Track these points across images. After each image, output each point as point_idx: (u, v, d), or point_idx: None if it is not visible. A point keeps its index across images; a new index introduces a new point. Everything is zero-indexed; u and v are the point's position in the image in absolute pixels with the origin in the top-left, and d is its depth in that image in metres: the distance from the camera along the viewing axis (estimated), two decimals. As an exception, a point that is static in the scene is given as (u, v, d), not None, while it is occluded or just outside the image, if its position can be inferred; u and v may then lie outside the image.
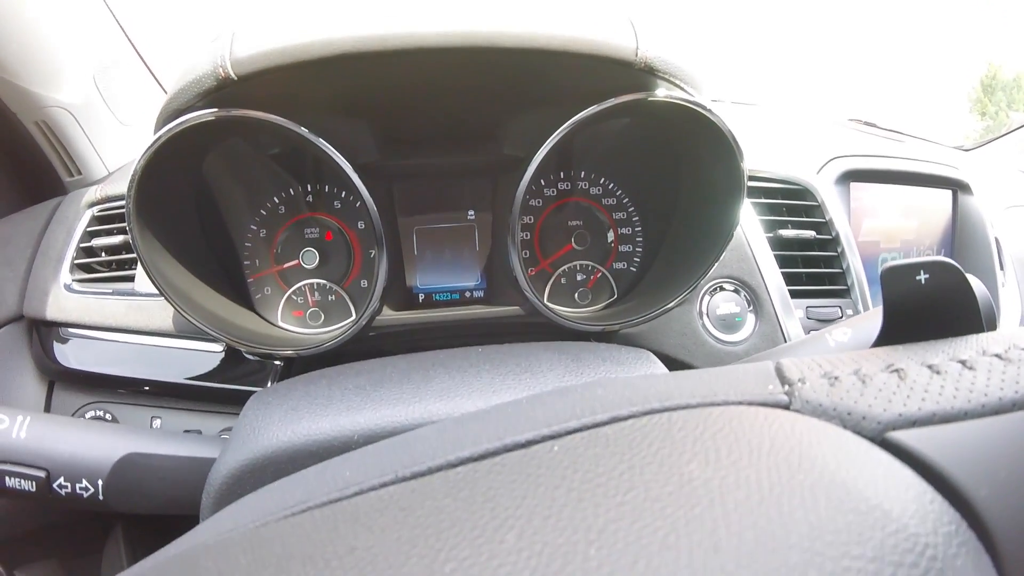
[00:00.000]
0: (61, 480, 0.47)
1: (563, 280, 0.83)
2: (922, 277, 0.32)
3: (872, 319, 0.46)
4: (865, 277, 0.89)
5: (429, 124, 0.70)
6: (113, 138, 0.94)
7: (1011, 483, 0.21)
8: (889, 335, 0.34)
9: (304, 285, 0.78)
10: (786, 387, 0.27)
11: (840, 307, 0.87)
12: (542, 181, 0.81)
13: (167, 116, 0.57)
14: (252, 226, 0.76)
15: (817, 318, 0.85)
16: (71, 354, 0.78)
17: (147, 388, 0.76)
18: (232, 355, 0.75)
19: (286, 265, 0.77)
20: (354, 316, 0.78)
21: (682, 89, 0.62)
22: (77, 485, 0.47)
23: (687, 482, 0.21)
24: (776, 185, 0.90)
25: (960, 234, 1.10)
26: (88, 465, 0.48)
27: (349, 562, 0.20)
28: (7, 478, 0.46)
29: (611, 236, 0.83)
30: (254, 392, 0.72)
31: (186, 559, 0.24)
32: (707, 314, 0.80)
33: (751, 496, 0.20)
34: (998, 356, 0.26)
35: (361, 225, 0.78)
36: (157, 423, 0.77)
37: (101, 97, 0.93)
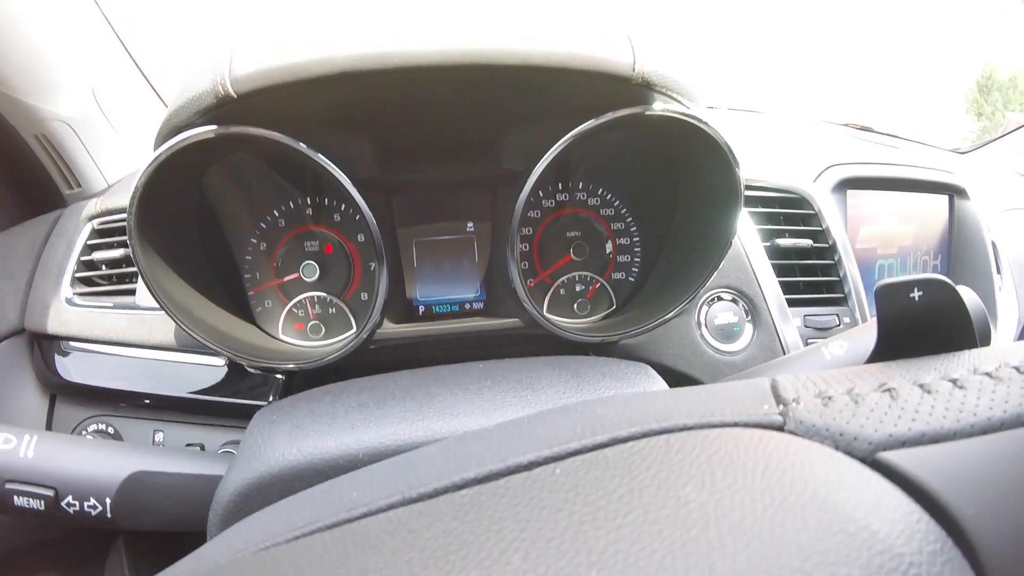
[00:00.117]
0: (69, 498, 0.48)
1: (562, 291, 0.83)
2: (916, 294, 0.33)
3: (867, 332, 0.47)
4: (862, 284, 0.89)
5: (428, 138, 0.71)
6: (112, 151, 0.94)
7: (998, 502, 0.22)
8: (883, 351, 0.34)
9: (305, 298, 0.78)
10: (781, 407, 0.28)
11: (837, 315, 0.87)
12: (540, 192, 0.82)
13: (167, 133, 0.58)
14: (252, 239, 0.77)
15: (815, 326, 0.86)
16: (73, 367, 0.79)
17: (147, 402, 0.77)
18: (234, 369, 0.75)
19: (287, 278, 0.78)
20: (355, 329, 0.78)
21: (678, 102, 0.63)
22: (85, 503, 0.48)
23: (683, 505, 0.22)
24: (773, 194, 0.91)
25: (957, 239, 1.11)
26: (96, 483, 0.48)
27: None
28: (15, 497, 0.47)
29: (609, 247, 0.84)
30: (256, 406, 0.73)
31: None
32: (705, 324, 0.80)
33: (744, 519, 0.21)
34: (989, 375, 0.27)
35: (361, 238, 0.78)
36: (159, 436, 0.77)
37: (100, 110, 0.93)
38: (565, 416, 0.29)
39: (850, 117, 1.56)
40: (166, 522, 0.51)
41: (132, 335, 0.76)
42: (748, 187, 0.80)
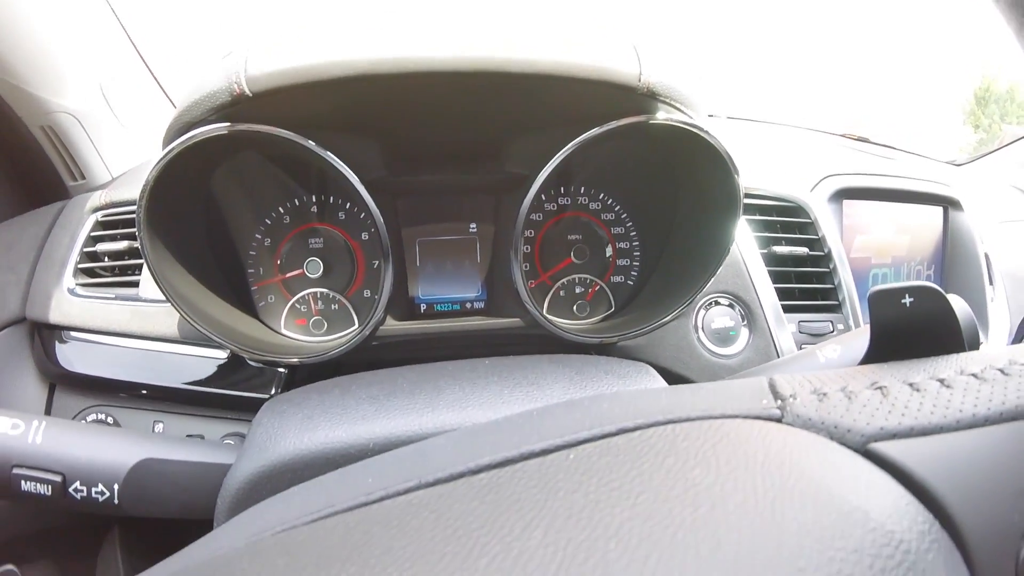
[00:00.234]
0: (77, 484, 0.48)
1: (562, 293, 0.84)
2: (907, 300, 0.34)
3: (860, 337, 0.48)
4: (856, 293, 0.91)
5: (435, 143, 0.72)
6: (117, 145, 0.95)
7: (981, 489, 0.24)
8: (876, 354, 0.36)
9: (308, 294, 0.79)
10: (779, 402, 0.30)
11: (831, 322, 0.89)
12: (543, 196, 0.83)
13: (179, 128, 0.58)
14: (257, 235, 0.78)
15: (809, 332, 0.87)
16: (73, 357, 0.79)
17: (145, 392, 0.77)
18: (234, 362, 0.76)
19: (290, 274, 0.78)
20: (357, 325, 0.79)
21: (681, 111, 0.64)
22: (93, 489, 0.48)
23: (691, 487, 0.24)
24: (771, 203, 0.92)
25: (951, 250, 1.12)
26: (104, 470, 0.49)
27: (387, 561, 0.22)
28: (23, 482, 0.47)
29: (609, 250, 0.85)
30: (257, 399, 0.74)
31: (220, 562, 0.25)
32: (702, 328, 0.81)
33: (747, 499, 0.22)
34: (975, 376, 0.28)
35: (365, 236, 0.79)
36: (159, 427, 0.78)
37: (107, 103, 0.94)
38: (573, 409, 0.30)
39: (848, 128, 1.58)
40: (172, 510, 0.51)
41: (134, 326, 0.76)
42: (746, 195, 0.81)
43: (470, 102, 0.62)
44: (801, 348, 0.84)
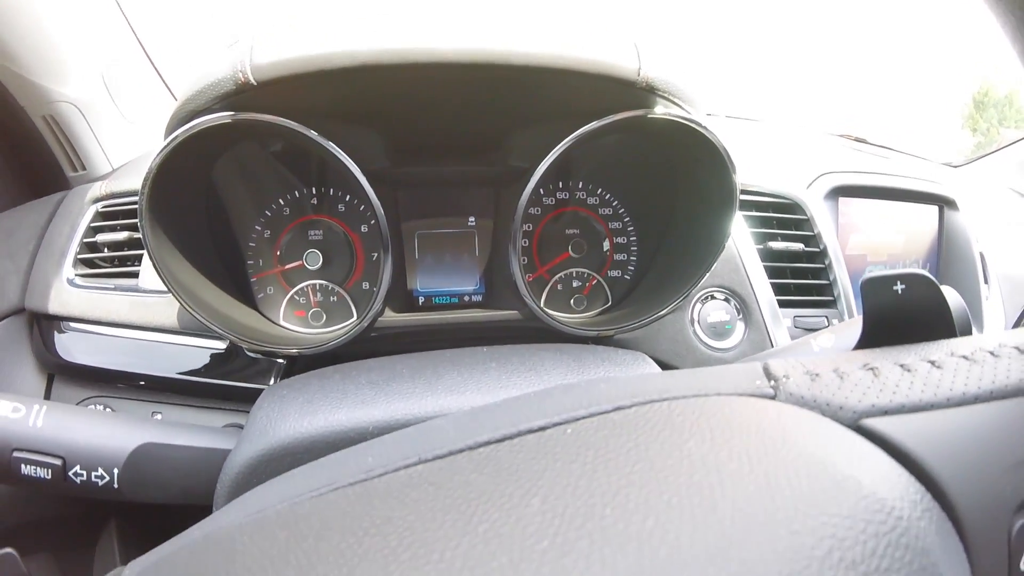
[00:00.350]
0: (77, 468, 0.48)
1: (559, 286, 0.85)
2: (899, 287, 0.35)
3: (853, 326, 0.49)
4: (851, 289, 0.92)
5: (437, 135, 0.72)
6: (118, 135, 0.95)
7: (972, 464, 0.24)
8: (869, 340, 0.36)
9: (307, 286, 0.80)
10: (772, 382, 0.30)
11: (826, 317, 0.89)
12: (541, 191, 0.84)
13: (183, 117, 0.58)
14: (256, 227, 0.78)
15: (804, 327, 0.88)
16: (72, 347, 0.80)
17: (143, 383, 0.78)
18: (233, 353, 0.76)
19: (289, 266, 0.79)
20: (356, 317, 0.80)
21: (679, 106, 0.64)
22: (93, 473, 0.48)
23: (687, 456, 0.24)
24: (767, 199, 0.93)
25: (946, 249, 1.13)
26: (104, 454, 0.49)
27: (387, 529, 0.22)
28: (23, 466, 0.47)
29: (607, 245, 0.85)
30: (255, 389, 0.74)
31: (222, 537, 0.25)
32: (698, 321, 0.82)
33: (742, 468, 0.23)
34: (964, 357, 0.29)
35: (364, 228, 0.80)
36: (157, 418, 0.78)
37: (108, 94, 0.94)
38: (570, 391, 0.31)
39: (846, 129, 1.58)
40: (172, 495, 0.51)
41: (133, 317, 0.77)
42: (743, 191, 0.82)
43: (471, 94, 0.63)
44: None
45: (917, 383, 0.27)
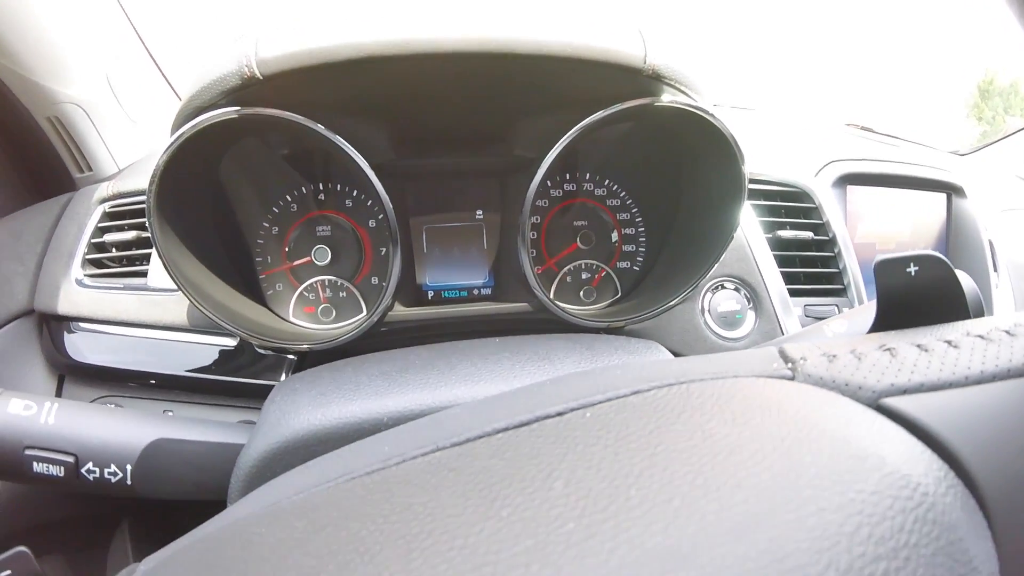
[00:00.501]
0: (90, 465, 0.48)
1: (568, 278, 0.85)
2: (912, 269, 0.35)
3: (866, 312, 0.49)
4: (861, 277, 0.91)
5: (443, 126, 0.72)
6: (123, 136, 0.95)
7: (993, 441, 0.24)
8: (882, 323, 0.36)
9: (316, 282, 0.80)
10: (789, 364, 0.30)
11: (837, 305, 0.89)
12: (548, 183, 0.83)
13: (188, 113, 0.58)
14: (264, 224, 0.78)
15: (815, 316, 0.87)
16: (82, 347, 0.80)
17: (154, 381, 0.78)
18: (243, 350, 0.76)
19: (298, 262, 0.79)
20: (365, 312, 0.80)
21: (686, 95, 0.64)
22: (106, 470, 0.48)
23: (708, 436, 0.24)
24: (775, 188, 0.92)
25: (954, 237, 1.12)
26: (117, 450, 0.49)
27: (408, 516, 0.22)
28: (36, 463, 0.47)
29: (615, 236, 0.85)
30: (266, 385, 0.74)
31: (237, 529, 0.25)
32: (708, 311, 0.82)
33: (764, 447, 0.23)
34: (981, 336, 0.29)
35: (372, 223, 0.80)
36: (170, 415, 0.78)
37: (113, 94, 0.94)
38: (586, 377, 0.31)
39: (852, 118, 1.57)
40: (185, 491, 0.51)
41: (142, 316, 0.77)
42: (751, 180, 0.81)
43: (477, 84, 0.62)
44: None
45: (935, 362, 0.27)
